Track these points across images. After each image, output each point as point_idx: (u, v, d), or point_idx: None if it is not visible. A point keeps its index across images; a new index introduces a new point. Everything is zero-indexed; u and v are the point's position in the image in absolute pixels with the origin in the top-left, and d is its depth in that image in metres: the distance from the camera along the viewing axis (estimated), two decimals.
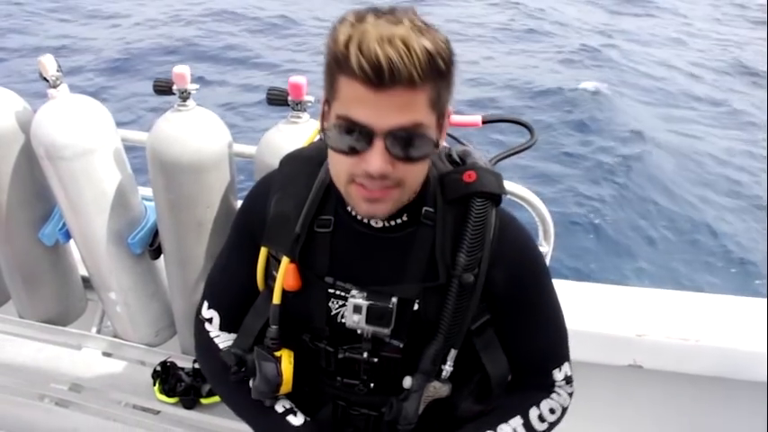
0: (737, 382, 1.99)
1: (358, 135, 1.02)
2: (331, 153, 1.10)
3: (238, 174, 1.80)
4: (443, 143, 1.18)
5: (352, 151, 1.03)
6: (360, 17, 1.00)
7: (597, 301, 2.12)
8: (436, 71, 0.99)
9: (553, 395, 1.32)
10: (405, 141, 1.02)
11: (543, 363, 1.31)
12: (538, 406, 1.30)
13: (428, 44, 0.97)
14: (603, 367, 2.03)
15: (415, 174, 1.09)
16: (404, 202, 1.12)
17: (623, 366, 2.02)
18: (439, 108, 1.05)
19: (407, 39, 0.96)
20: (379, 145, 1.01)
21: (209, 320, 1.40)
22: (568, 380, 1.32)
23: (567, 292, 2.08)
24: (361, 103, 1.00)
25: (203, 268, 1.80)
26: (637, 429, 2.22)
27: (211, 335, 1.41)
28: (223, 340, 1.40)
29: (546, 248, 1.79)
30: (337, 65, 1.01)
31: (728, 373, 1.98)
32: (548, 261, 1.77)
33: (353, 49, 0.96)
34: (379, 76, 0.96)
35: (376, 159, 1.01)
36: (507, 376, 1.30)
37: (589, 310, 2.05)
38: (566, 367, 1.32)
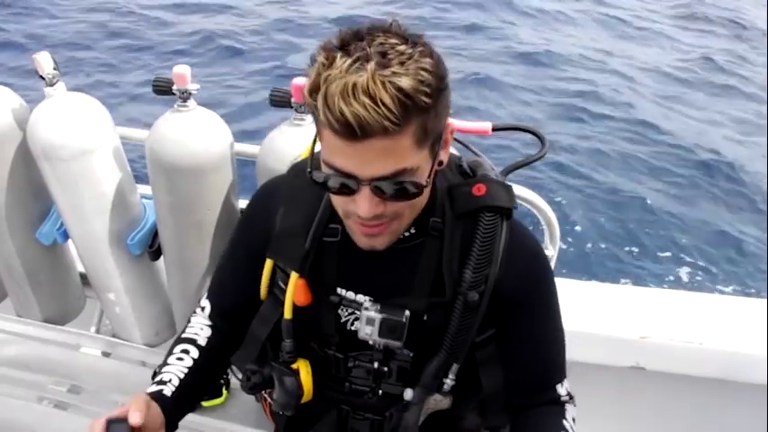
0: (740, 384, 1.99)
1: (343, 184, 1.01)
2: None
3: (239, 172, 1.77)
4: (446, 158, 1.12)
5: (343, 194, 1.03)
6: (329, 57, 0.93)
7: (600, 301, 2.11)
8: (415, 110, 0.93)
9: (567, 406, 1.29)
10: (392, 186, 1.00)
11: (547, 376, 1.29)
12: (566, 418, 1.27)
13: (404, 83, 0.90)
14: (606, 368, 2.03)
15: (411, 206, 1.07)
16: (404, 228, 1.11)
17: (626, 368, 2.02)
18: (430, 138, 1.00)
19: (372, 90, 0.89)
20: (365, 191, 1.00)
21: (202, 309, 1.40)
22: (570, 396, 1.30)
23: (569, 291, 2.09)
24: (341, 154, 0.97)
25: (204, 270, 1.78)
26: (638, 431, 2.22)
27: (192, 320, 1.40)
28: (196, 324, 1.39)
29: (551, 252, 1.77)
30: (313, 113, 0.98)
31: (731, 375, 1.98)
32: (553, 264, 1.75)
33: (320, 104, 0.92)
34: (351, 133, 0.91)
35: (364, 204, 1.01)
36: (501, 391, 1.27)
37: (592, 311, 2.04)
38: (566, 384, 1.30)
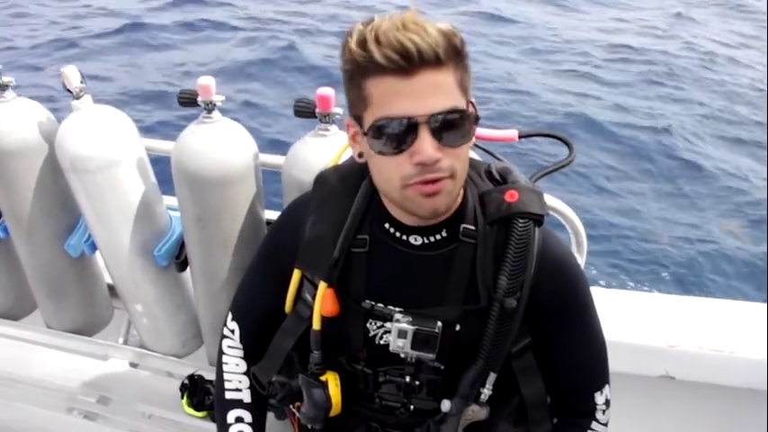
0: None
1: (402, 129, 1.01)
2: (377, 162, 1.08)
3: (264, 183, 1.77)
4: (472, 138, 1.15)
5: (400, 149, 1.02)
6: (366, 21, 1.01)
7: (629, 309, 2.08)
8: (455, 50, 1.00)
9: (594, 423, 1.29)
10: (448, 126, 1.01)
11: (585, 385, 1.29)
12: None
13: (440, 25, 1.00)
14: (635, 377, 2.00)
15: (462, 162, 1.07)
16: (455, 196, 1.10)
17: (655, 377, 1.99)
18: (466, 94, 1.05)
19: (420, 22, 0.98)
20: (425, 132, 1.00)
21: (232, 332, 1.41)
22: (608, 403, 1.30)
23: (597, 299, 2.06)
24: (395, 96, 0.99)
25: (230, 281, 1.78)
26: None
27: (225, 350, 1.42)
28: (234, 356, 1.42)
29: (579, 260, 1.75)
30: (361, 70, 1.01)
31: (763, 385, 1.93)
32: None
33: (373, 46, 0.97)
34: (408, 59, 0.96)
35: (427, 146, 1.00)
36: (544, 400, 1.28)
37: (621, 319, 2.01)
38: (606, 390, 1.29)
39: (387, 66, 0.97)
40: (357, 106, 1.06)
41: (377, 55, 0.97)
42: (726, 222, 6.24)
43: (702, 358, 1.94)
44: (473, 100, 1.11)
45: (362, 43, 0.99)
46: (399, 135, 1.01)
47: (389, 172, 1.06)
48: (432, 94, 0.99)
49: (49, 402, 1.85)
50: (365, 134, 1.06)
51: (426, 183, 1.04)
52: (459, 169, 1.06)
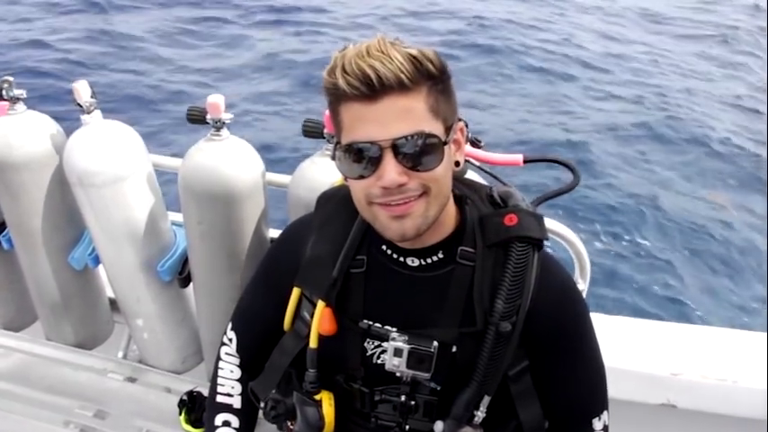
0: None
1: (367, 154, 1.03)
2: (350, 184, 1.11)
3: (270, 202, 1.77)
4: (461, 159, 1.16)
5: (366, 172, 1.04)
6: (342, 49, 1.03)
7: (631, 336, 2.07)
8: (426, 74, 1.01)
9: None
10: (414, 150, 1.02)
11: (583, 411, 1.29)
12: None
13: (411, 51, 1.01)
14: (636, 405, 1.98)
15: (438, 182, 1.07)
16: (432, 216, 1.10)
17: (657, 405, 1.98)
18: (443, 117, 1.05)
19: (384, 48, 0.99)
20: (388, 157, 1.02)
21: (230, 341, 1.44)
22: (606, 429, 1.30)
23: (600, 326, 2.05)
24: (361, 121, 1.02)
25: (232, 298, 1.77)
26: None
27: (222, 356, 1.46)
28: (230, 363, 1.45)
29: (582, 285, 1.75)
30: (334, 97, 1.05)
31: (765, 415, 1.92)
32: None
33: (339, 73, 1.00)
34: (369, 86, 0.98)
35: (388, 171, 1.02)
36: (542, 425, 1.27)
37: (623, 346, 2.01)
38: (604, 416, 1.29)
39: (350, 93, 1.00)
40: (336, 131, 1.10)
41: (341, 82, 1.00)
42: (714, 193, 6.25)
43: (705, 387, 1.93)
44: (461, 123, 1.13)
45: (332, 71, 1.02)
46: (364, 159, 1.04)
47: (358, 192, 1.09)
48: (396, 119, 1.01)
49: (47, 415, 1.84)
50: (333, 158, 1.10)
51: (391, 205, 1.06)
52: (434, 188, 1.07)
